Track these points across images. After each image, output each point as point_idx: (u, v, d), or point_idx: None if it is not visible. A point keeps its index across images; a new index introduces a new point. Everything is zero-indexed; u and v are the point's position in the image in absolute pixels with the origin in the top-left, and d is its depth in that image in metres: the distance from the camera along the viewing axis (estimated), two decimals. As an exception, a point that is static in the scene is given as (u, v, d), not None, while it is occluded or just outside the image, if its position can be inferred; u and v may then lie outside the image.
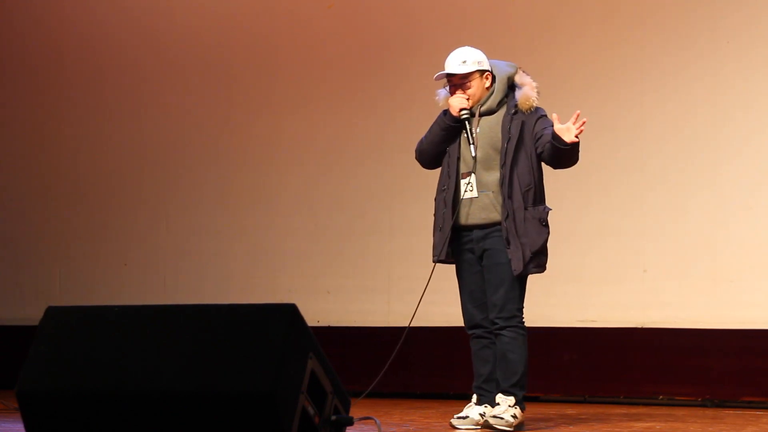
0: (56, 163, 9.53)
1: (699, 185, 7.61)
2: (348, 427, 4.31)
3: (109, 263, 9.28)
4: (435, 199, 6.10)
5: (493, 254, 5.88)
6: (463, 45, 6.12)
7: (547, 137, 5.83)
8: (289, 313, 4.08)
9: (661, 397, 7.64)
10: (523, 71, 6.03)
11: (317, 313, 8.41)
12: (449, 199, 5.97)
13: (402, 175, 8.42)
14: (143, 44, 9.32)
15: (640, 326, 7.71)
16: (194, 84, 9.13)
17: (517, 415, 5.84)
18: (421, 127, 8.36)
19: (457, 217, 5.97)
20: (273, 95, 8.89)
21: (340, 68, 8.70)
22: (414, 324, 7.82)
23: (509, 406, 5.82)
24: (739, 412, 7.15)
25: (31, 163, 9.63)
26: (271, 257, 8.78)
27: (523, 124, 5.89)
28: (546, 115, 5.95)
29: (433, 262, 6.03)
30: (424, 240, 8.27)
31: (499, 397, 5.87)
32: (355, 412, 4.45)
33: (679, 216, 7.64)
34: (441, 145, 6.03)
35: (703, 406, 7.46)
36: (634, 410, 7.21)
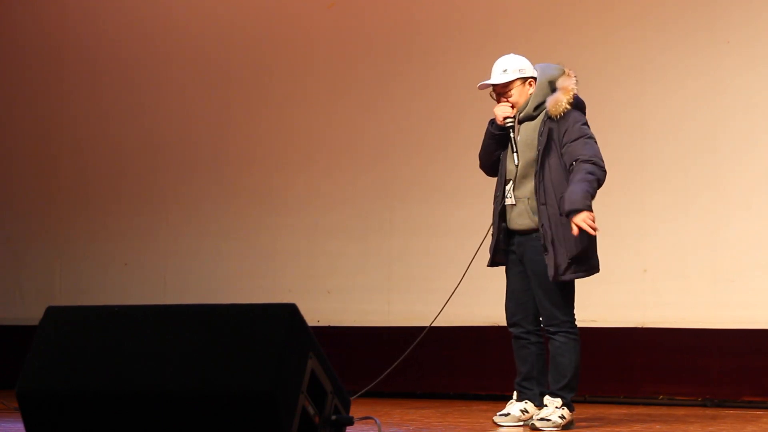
0: (56, 163, 9.53)
1: (699, 185, 7.61)
2: (348, 427, 4.31)
3: (109, 263, 9.28)
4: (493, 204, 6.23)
5: (533, 264, 6.01)
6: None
7: (572, 155, 5.85)
8: (289, 313, 4.08)
9: (661, 397, 7.63)
10: (570, 74, 6.02)
11: (317, 313, 8.41)
12: (498, 205, 6.10)
13: (402, 175, 8.42)
14: (143, 44, 9.32)
15: (640, 326, 7.71)
16: (194, 84, 9.13)
17: (565, 415, 5.95)
18: (421, 126, 8.40)
19: (506, 221, 6.09)
20: (273, 96, 8.89)
21: (341, 68, 8.69)
22: (415, 324, 7.85)
23: (556, 407, 5.94)
24: (739, 411, 7.15)
25: (31, 164, 9.63)
26: (271, 257, 8.78)
27: (551, 131, 5.92)
28: (579, 123, 5.92)
29: (487, 265, 6.21)
30: (424, 240, 8.31)
31: (547, 399, 5.99)
32: (355, 412, 4.45)
33: (679, 216, 7.64)
34: (492, 154, 6.14)
35: (703, 406, 7.46)
36: (634, 410, 7.21)
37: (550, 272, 5.86)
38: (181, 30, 9.21)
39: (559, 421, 5.90)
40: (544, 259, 5.91)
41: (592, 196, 5.78)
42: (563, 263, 5.85)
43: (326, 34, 8.76)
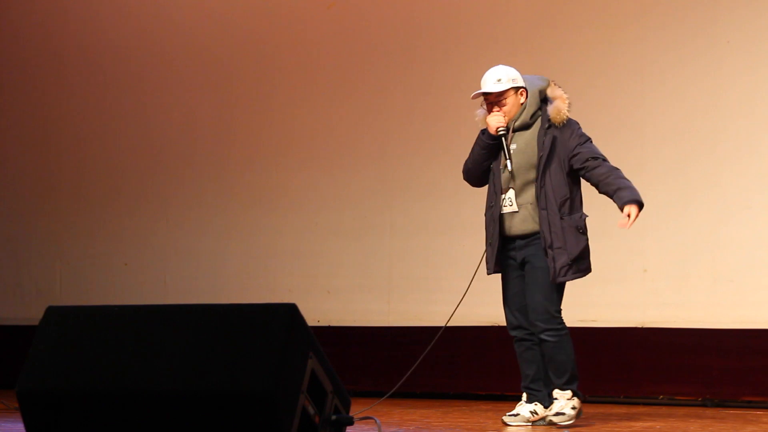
0: (57, 163, 9.53)
1: (699, 185, 7.61)
2: (348, 427, 4.31)
3: (109, 263, 9.28)
4: (484, 215, 6.27)
5: (533, 260, 6.11)
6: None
7: (585, 155, 6.07)
8: (289, 313, 4.08)
9: (661, 397, 7.63)
10: (555, 84, 6.20)
11: (317, 313, 8.41)
12: (496, 215, 6.16)
13: (402, 175, 8.42)
14: (144, 44, 9.32)
15: (640, 326, 7.71)
16: (195, 84, 9.13)
17: (576, 405, 6.12)
18: (421, 126, 8.40)
19: (502, 230, 6.15)
20: (274, 96, 8.89)
21: (341, 69, 8.69)
22: (415, 324, 7.85)
23: (567, 399, 6.09)
24: (739, 411, 7.15)
25: (31, 163, 9.63)
26: (271, 257, 8.78)
27: (554, 138, 6.08)
28: (580, 129, 6.14)
29: (488, 274, 6.26)
30: (424, 240, 8.31)
31: (557, 393, 6.12)
32: (355, 412, 4.45)
33: (680, 216, 7.64)
34: (483, 164, 6.23)
35: (703, 406, 7.46)
36: (634, 410, 7.21)
37: (551, 274, 6.02)
38: (180, 29, 9.21)
39: (572, 412, 6.08)
40: (545, 259, 6.04)
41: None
42: (564, 265, 6.02)
43: (326, 34, 8.76)
